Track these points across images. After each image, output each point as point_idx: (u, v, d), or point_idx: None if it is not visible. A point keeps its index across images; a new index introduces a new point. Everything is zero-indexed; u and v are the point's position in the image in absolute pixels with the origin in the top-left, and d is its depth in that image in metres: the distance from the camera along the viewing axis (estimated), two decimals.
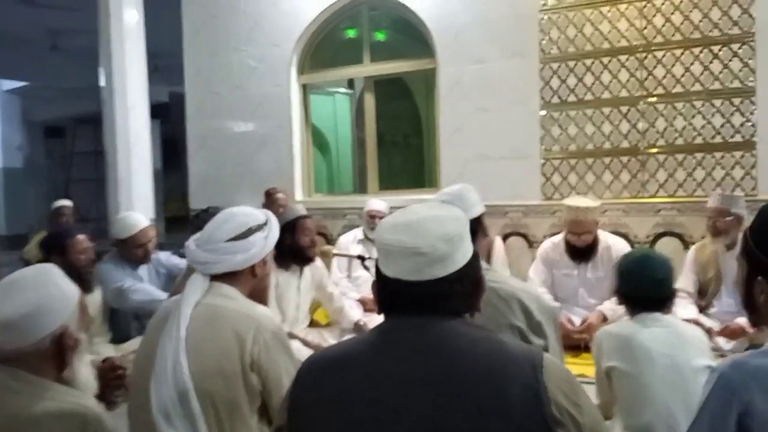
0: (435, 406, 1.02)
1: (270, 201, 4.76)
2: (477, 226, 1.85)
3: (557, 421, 1.00)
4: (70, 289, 1.44)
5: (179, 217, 7.09)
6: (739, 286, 1.31)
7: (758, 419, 1.13)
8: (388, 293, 1.14)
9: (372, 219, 4.46)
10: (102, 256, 3.39)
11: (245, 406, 1.60)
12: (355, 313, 3.61)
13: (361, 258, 3.33)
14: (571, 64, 4.48)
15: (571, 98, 4.49)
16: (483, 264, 1.77)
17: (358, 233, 4.57)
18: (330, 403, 1.09)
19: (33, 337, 1.34)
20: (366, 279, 4.05)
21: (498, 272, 1.85)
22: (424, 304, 1.10)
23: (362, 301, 4.02)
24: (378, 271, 1.16)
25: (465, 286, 1.13)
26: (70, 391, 1.37)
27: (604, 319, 3.31)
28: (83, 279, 2.79)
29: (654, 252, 2.14)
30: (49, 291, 1.39)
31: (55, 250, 3.02)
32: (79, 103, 10.76)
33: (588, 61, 4.44)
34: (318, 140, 6.09)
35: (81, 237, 3.13)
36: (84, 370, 1.40)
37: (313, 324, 3.64)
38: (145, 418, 1.55)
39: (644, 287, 1.99)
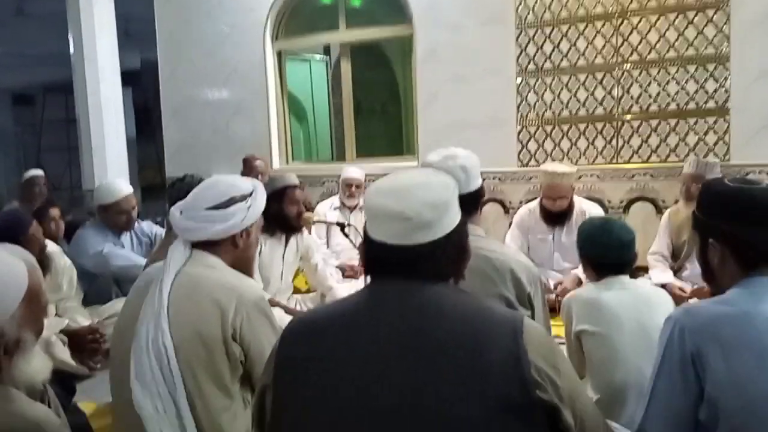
0: (417, 366, 1.03)
1: (248, 168, 4.73)
2: (480, 195, 1.87)
3: (536, 383, 1.02)
4: (14, 280, 1.22)
5: (155, 186, 7.00)
6: (698, 261, 1.39)
7: (712, 364, 1.19)
8: (374, 256, 1.16)
9: (348, 187, 4.46)
10: (78, 226, 3.36)
11: (227, 375, 1.60)
12: (339, 287, 3.61)
13: (341, 225, 3.35)
14: (547, 30, 4.48)
15: (547, 65, 4.50)
16: (480, 232, 1.80)
17: (334, 201, 4.57)
18: (314, 362, 1.10)
19: None
20: (345, 247, 4.06)
21: (493, 241, 1.85)
22: (409, 267, 1.11)
23: (341, 268, 4.04)
24: (365, 234, 1.17)
25: (450, 252, 1.14)
26: (10, 396, 1.19)
27: (580, 283, 3.37)
28: (41, 262, 2.72)
29: (614, 218, 2.17)
30: None
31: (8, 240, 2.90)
32: (48, 70, 10.47)
33: (564, 28, 4.44)
34: (294, 107, 6.03)
35: (34, 227, 2.95)
36: (31, 366, 1.24)
37: (294, 291, 3.66)
38: (125, 386, 1.55)
39: (608, 252, 2.03)
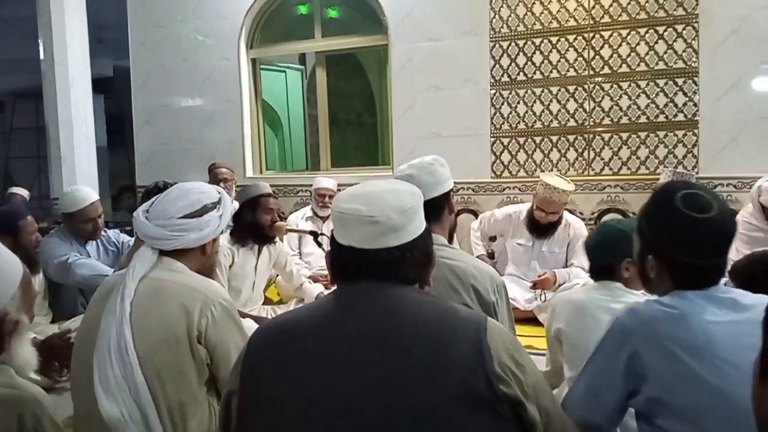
0: (383, 364, 1.06)
1: (212, 176, 4.66)
2: (444, 201, 1.85)
3: (500, 377, 1.04)
4: (13, 267, 1.29)
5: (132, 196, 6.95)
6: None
7: (651, 362, 1.25)
8: (342, 261, 1.18)
9: (321, 197, 4.45)
10: (45, 233, 3.28)
11: (193, 378, 1.59)
12: (315, 288, 3.59)
13: (314, 234, 3.32)
14: (521, 42, 4.53)
15: (520, 77, 4.54)
16: (443, 241, 1.80)
17: (307, 211, 4.56)
18: (282, 367, 1.11)
19: None
20: (317, 256, 4.04)
21: (456, 250, 1.85)
22: (376, 271, 1.14)
23: (313, 278, 4.01)
24: (333, 240, 1.20)
25: (416, 256, 1.18)
26: (5, 370, 1.26)
27: (554, 282, 3.44)
28: (31, 260, 2.69)
29: (615, 222, 2.14)
30: None
31: (7, 230, 2.89)
32: (18, 77, 10.29)
33: (537, 40, 4.49)
34: (269, 117, 6.00)
35: (31, 218, 3.02)
36: (24, 351, 1.30)
37: (265, 302, 3.62)
38: (86, 393, 1.52)
39: (604, 255, 2.01)
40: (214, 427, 1.61)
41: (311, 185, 4.64)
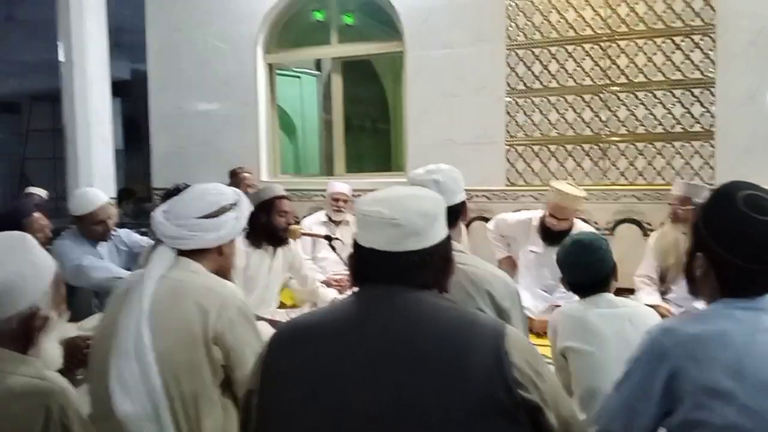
0: (401, 370, 1.06)
1: (236, 180, 4.71)
2: (461, 210, 1.88)
3: (519, 384, 1.05)
4: (44, 264, 1.33)
5: (142, 198, 6.99)
6: (684, 264, 1.38)
7: (688, 384, 1.20)
8: (363, 263, 1.20)
9: (335, 201, 4.46)
10: (59, 234, 3.30)
11: (208, 380, 1.60)
12: (329, 292, 3.59)
13: (328, 238, 3.32)
14: (537, 51, 4.53)
15: (536, 85, 4.54)
16: (459, 247, 1.81)
17: (321, 215, 4.57)
18: (301, 369, 1.12)
19: None
20: (331, 261, 4.04)
21: (471, 256, 1.86)
22: (396, 274, 1.15)
23: (327, 283, 4.01)
24: (354, 242, 1.21)
25: (436, 262, 1.19)
26: (33, 362, 1.29)
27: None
28: None
29: (586, 236, 2.17)
30: (20, 268, 1.28)
31: (11, 228, 2.92)
32: (35, 79, 10.40)
33: (553, 49, 4.49)
34: (284, 122, 6.04)
35: (38, 215, 3.03)
36: (51, 347, 1.33)
37: (279, 306, 3.63)
38: (104, 393, 1.53)
39: (581, 273, 2.05)
40: (228, 428, 1.62)
41: (325, 190, 4.66)
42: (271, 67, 5.58)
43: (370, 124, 7.32)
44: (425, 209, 1.18)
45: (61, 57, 5.16)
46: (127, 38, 7.58)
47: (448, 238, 1.24)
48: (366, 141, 7.10)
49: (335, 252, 3.35)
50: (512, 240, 3.87)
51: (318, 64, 6.59)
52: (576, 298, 2.15)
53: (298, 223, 4.67)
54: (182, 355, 1.56)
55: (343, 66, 5.49)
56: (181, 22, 5.64)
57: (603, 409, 1.34)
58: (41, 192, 4.98)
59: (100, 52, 5.14)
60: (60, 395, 1.26)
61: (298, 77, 6.51)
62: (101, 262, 3.14)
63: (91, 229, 3.20)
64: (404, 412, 1.03)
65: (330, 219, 4.48)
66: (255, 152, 5.47)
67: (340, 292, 3.63)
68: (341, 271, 3.91)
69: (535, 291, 3.63)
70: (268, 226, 3.21)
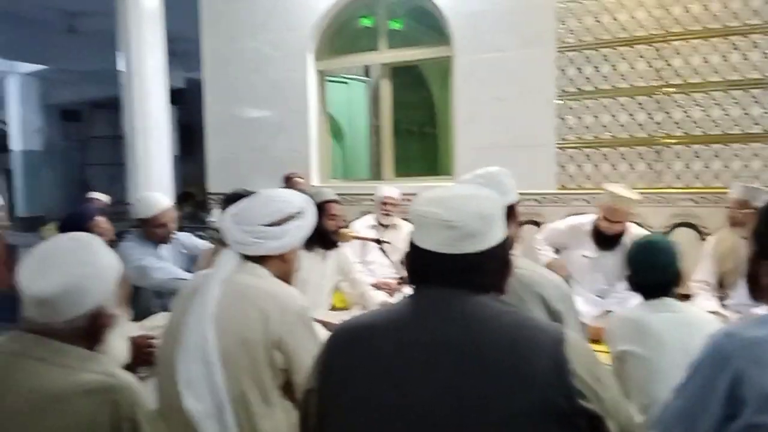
0: (459, 372, 1.05)
1: (289, 185, 4.80)
2: (511, 213, 1.84)
3: (579, 392, 1.03)
4: (110, 264, 1.38)
5: (199, 202, 7.20)
6: (746, 271, 1.34)
7: (752, 388, 1.17)
8: (419, 264, 1.18)
9: (384, 205, 4.48)
10: (121, 237, 3.43)
11: (268, 382, 1.64)
12: (379, 296, 3.62)
13: (378, 241, 3.35)
14: (588, 52, 4.47)
15: (588, 87, 4.48)
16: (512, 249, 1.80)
17: (370, 219, 4.60)
18: (358, 369, 1.13)
19: (68, 314, 1.29)
20: (380, 264, 4.07)
21: (522, 259, 1.85)
22: (453, 277, 1.13)
23: (376, 286, 4.04)
24: (411, 243, 1.19)
25: (494, 264, 1.17)
26: (101, 359, 1.34)
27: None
28: None
29: (660, 238, 2.14)
30: (87, 269, 1.32)
31: (75, 231, 3.06)
32: (95, 87, 10.82)
33: (605, 51, 4.43)
34: (332, 127, 6.11)
35: (101, 218, 3.17)
36: (118, 344, 1.37)
37: (331, 308, 3.67)
38: (171, 390, 1.59)
39: (651, 274, 2.02)
40: (288, 430, 1.65)
41: (374, 194, 4.70)
42: (321, 74, 5.67)
43: (416, 128, 7.34)
44: (483, 210, 1.15)
45: (121, 66, 5.36)
46: (181, 48, 7.82)
47: (507, 240, 1.20)
48: (413, 145, 7.13)
49: (385, 255, 3.38)
50: (563, 246, 3.81)
51: (366, 70, 6.65)
52: (632, 302, 2.12)
53: (347, 227, 4.73)
54: (243, 356, 1.61)
55: (391, 71, 5.53)
56: (235, 31, 5.79)
57: (662, 415, 1.32)
58: (103, 197, 5.18)
59: (157, 61, 5.32)
60: (128, 391, 1.30)
61: (346, 83, 6.59)
62: (162, 263, 3.25)
63: (154, 231, 3.31)
64: (460, 418, 1.02)
65: (379, 223, 4.51)
66: (305, 157, 5.56)
67: (390, 296, 3.66)
68: (390, 274, 3.93)
69: (588, 296, 3.58)
70: (318, 230, 3.25)
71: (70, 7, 8.18)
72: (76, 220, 3.13)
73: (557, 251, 3.93)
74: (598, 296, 3.58)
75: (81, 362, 1.30)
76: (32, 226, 8.42)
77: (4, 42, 9.73)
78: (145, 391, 1.38)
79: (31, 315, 1.30)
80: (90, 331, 1.32)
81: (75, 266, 1.31)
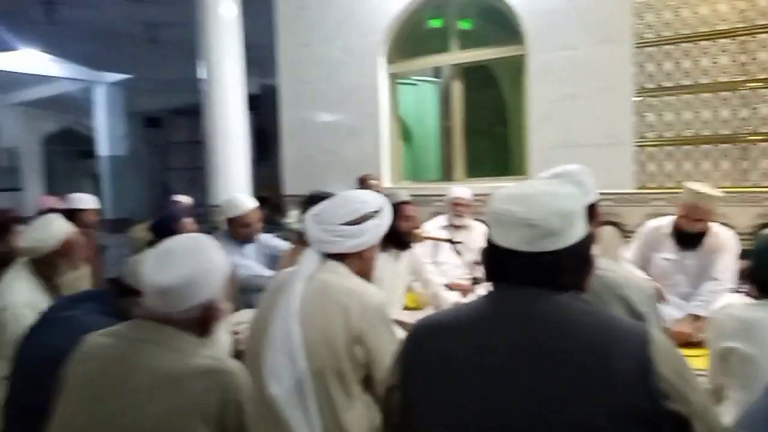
0: (540, 374, 1.04)
1: (364, 187, 4.87)
2: (591, 212, 1.82)
3: (665, 394, 1.00)
4: (222, 262, 1.50)
5: (274, 205, 7.42)
6: None
7: None
8: (497, 262, 1.16)
9: (456, 206, 4.47)
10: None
11: (349, 375, 1.69)
12: (452, 295, 3.63)
13: (451, 241, 3.36)
14: (667, 48, 4.34)
15: (667, 83, 4.35)
16: (592, 250, 1.77)
17: (441, 220, 4.60)
18: (439, 366, 1.13)
19: (184, 305, 1.42)
20: (452, 265, 4.07)
21: (604, 259, 1.82)
22: (532, 275, 1.11)
23: (449, 287, 4.05)
24: (488, 241, 1.18)
25: (574, 263, 1.14)
26: (211, 346, 1.46)
27: (697, 319, 3.20)
28: None
29: None
30: (204, 265, 1.45)
31: (164, 233, 3.22)
32: (175, 95, 11.29)
33: (686, 45, 4.28)
34: (402, 128, 6.16)
35: (187, 220, 3.34)
36: (223, 336, 1.48)
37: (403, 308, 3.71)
38: (257, 379, 1.66)
39: None
40: (366, 423, 1.70)
41: (444, 195, 4.70)
42: (392, 77, 5.73)
43: (486, 128, 7.28)
44: (563, 208, 1.12)
45: (201, 74, 5.59)
46: (254, 55, 8.06)
47: (588, 238, 1.17)
48: (484, 145, 7.07)
49: (459, 256, 3.39)
50: (650, 248, 3.67)
51: (436, 71, 6.66)
52: (717, 305, 2.04)
53: (419, 227, 4.75)
54: (326, 350, 1.67)
55: (462, 71, 5.53)
56: (308, 37, 5.93)
57: (747, 415, 1.28)
58: (187, 199, 5.41)
59: (235, 69, 5.52)
60: (234, 375, 1.42)
61: (414, 84, 6.61)
62: (246, 261, 3.39)
63: (239, 231, 3.47)
64: (541, 419, 1.02)
65: (451, 224, 4.52)
66: (377, 160, 5.64)
67: (463, 296, 3.66)
68: (462, 275, 3.93)
69: (671, 299, 3.47)
70: (392, 230, 3.29)
71: (153, 19, 8.57)
72: (166, 222, 3.31)
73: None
74: (681, 299, 3.46)
75: (194, 348, 1.43)
76: (118, 227, 8.87)
77: (92, 54, 10.32)
78: (248, 380, 1.48)
79: (152, 304, 1.43)
80: (201, 321, 1.45)
81: (194, 262, 1.44)
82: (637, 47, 4.43)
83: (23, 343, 2.01)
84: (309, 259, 1.79)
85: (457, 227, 4.48)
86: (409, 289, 3.76)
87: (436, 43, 5.59)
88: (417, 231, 3.44)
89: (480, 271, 3.31)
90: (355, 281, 1.79)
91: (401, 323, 3.19)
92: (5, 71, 11.37)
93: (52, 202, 4.95)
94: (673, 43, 4.32)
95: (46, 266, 2.57)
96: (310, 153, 6.00)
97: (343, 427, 1.66)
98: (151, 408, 1.34)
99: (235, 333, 2.11)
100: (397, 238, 3.31)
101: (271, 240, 3.74)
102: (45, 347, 1.85)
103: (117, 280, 2.04)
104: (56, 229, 2.60)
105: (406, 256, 3.45)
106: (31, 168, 14.67)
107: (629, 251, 3.67)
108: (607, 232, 4.36)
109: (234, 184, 5.40)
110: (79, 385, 1.42)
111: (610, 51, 4.52)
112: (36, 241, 2.56)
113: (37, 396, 1.66)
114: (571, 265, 1.13)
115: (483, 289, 1.22)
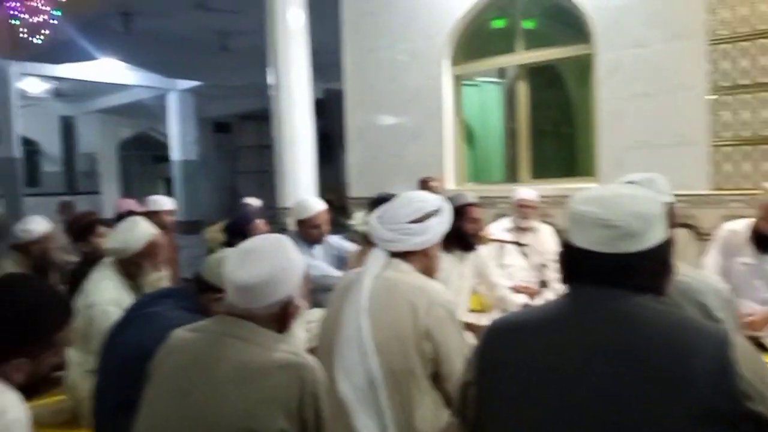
0: (618, 374, 1.04)
1: (425, 189, 4.90)
2: (668, 216, 1.81)
3: (746, 395, 0.99)
4: (300, 261, 1.57)
5: (338, 208, 7.56)
6: None
7: None
8: (575, 263, 1.18)
9: (521, 208, 4.42)
10: None
11: (418, 370, 1.73)
12: (519, 298, 3.61)
13: (518, 243, 3.34)
14: (743, 45, 4.17)
15: (744, 81, 4.18)
16: None
17: (506, 222, 4.56)
18: (517, 364, 1.15)
19: (265, 301, 1.48)
20: (518, 267, 4.04)
21: (680, 264, 1.79)
22: (610, 276, 1.12)
23: (516, 289, 4.02)
24: (565, 241, 1.20)
25: (652, 265, 1.14)
26: (290, 341, 1.53)
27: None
28: None
29: None
30: (284, 264, 1.51)
31: (237, 234, 3.36)
32: (243, 101, 11.63)
33: (762, 41, 4.11)
34: (466, 130, 6.15)
35: (259, 221, 3.46)
36: (299, 333, 1.54)
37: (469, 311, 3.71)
38: (328, 374, 1.72)
39: None
40: (437, 419, 1.73)
41: (509, 197, 4.67)
42: (457, 79, 5.73)
43: (552, 129, 7.17)
44: (642, 210, 1.13)
45: (270, 80, 5.75)
46: (320, 60, 8.21)
47: (668, 242, 1.17)
48: (549, 146, 6.97)
49: (525, 258, 3.36)
50: (728, 253, 3.54)
51: (500, 71, 6.61)
52: None
53: (484, 230, 4.73)
54: (395, 347, 1.72)
55: (527, 72, 5.48)
56: (374, 42, 6.01)
57: None
58: (257, 201, 5.57)
59: (302, 74, 5.65)
60: (312, 370, 1.48)
61: (477, 85, 6.58)
62: (315, 261, 3.49)
63: (309, 232, 3.58)
64: (619, 420, 1.02)
65: (517, 226, 4.48)
66: (441, 162, 5.65)
67: (530, 299, 3.63)
68: (528, 277, 3.89)
69: (748, 306, 3.33)
70: (458, 232, 3.31)
71: (224, 28, 8.86)
72: (239, 223, 3.44)
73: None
74: (761, 305, 3.32)
75: (274, 342, 1.49)
76: (190, 229, 9.22)
77: (165, 61, 10.76)
78: (325, 376, 1.54)
79: (234, 301, 1.50)
80: (280, 317, 1.52)
81: (274, 260, 1.50)
82: (710, 44, 4.28)
83: (109, 339, 2.13)
84: (376, 258, 1.85)
85: (523, 229, 4.43)
86: (473, 292, 3.76)
87: (501, 43, 5.56)
88: (484, 233, 3.43)
89: (547, 274, 3.29)
90: (420, 278, 1.84)
91: (472, 326, 3.21)
92: (85, 80, 11.99)
93: (130, 204, 5.17)
94: (749, 40, 4.15)
95: (131, 266, 2.71)
96: (375, 156, 6.08)
97: (414, 424, 1.70)
98: (236, 399, 1.41)
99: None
100: (463, 240, 3.32)
101: (338, 241, 3.82)
102: (131, 343, 1.95)
103: (196, 278, 2.14)
104: (141, 231, 2.74)
105: (471, 258, 3.46)
106: (108, 172, 15.43)
107: (708, 258, 3.55)
108: (681, 235, 4.23)
109: (301, 187, 5.53)
110: (166, 378, 1.50)
111: (682, 48, 4.39)
112: (122, 242, 2.70)
113: (124, 389, 1.78)
114: (649, 268, 1.14)
115: (551, 293, 1.24)
